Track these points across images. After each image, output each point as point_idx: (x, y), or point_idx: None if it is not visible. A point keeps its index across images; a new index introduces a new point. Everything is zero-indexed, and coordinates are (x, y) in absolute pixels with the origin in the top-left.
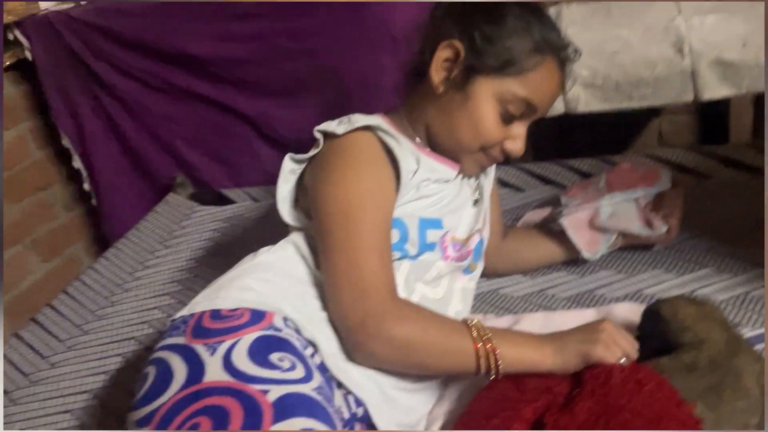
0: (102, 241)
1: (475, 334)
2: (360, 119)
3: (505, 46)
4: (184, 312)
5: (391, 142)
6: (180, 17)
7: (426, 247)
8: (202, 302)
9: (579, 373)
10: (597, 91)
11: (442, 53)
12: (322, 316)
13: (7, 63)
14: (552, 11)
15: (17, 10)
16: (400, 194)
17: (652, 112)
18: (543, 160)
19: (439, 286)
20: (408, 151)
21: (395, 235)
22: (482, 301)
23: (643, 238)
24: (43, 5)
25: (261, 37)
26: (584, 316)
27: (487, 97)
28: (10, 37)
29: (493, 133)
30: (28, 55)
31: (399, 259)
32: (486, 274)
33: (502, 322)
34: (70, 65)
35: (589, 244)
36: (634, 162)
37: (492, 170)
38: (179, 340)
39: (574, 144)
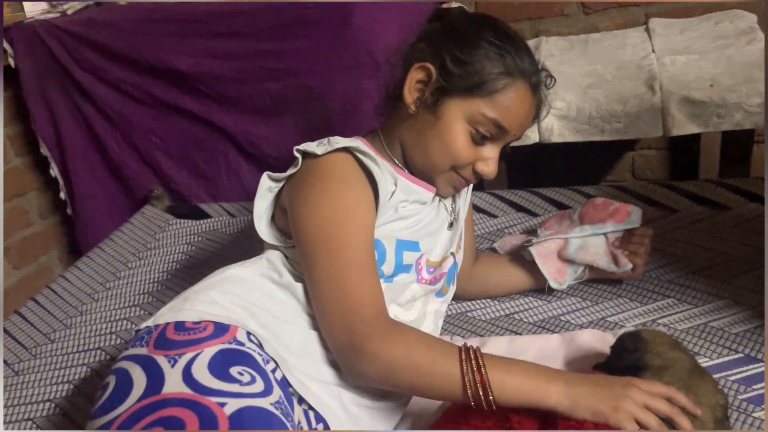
0: (76, 250)
1: (464, 359)
2: (339, 141)
3: (475, 68)
4: (149, 323)
5: (370, 164)
6: (165, 32)
7: (401, 268)
8: (167, 314)
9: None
10: (571, 122)
11: (415, 74)
12: (288, 331)
13: None
14: (532, 43)
15: (3, 17)
16: (378, 214)
17: (626, 146)
18: (517, 188)
19: (412, 309)
20: (386, 171)
21: None
22: (450, 324)
23: (608, 272)
24: (29, 13)
25: (245, 55)
26: (549, 340)
27: (457, 117)
28: (3, 40)
29: (462, 153)
30: (11, 61)
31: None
32: (455, 298)
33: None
34: (52, 74)
35: (556, 274)
36: (606, 195)
37: (468, 194)
38: (141, 350)
39: (549, 173)
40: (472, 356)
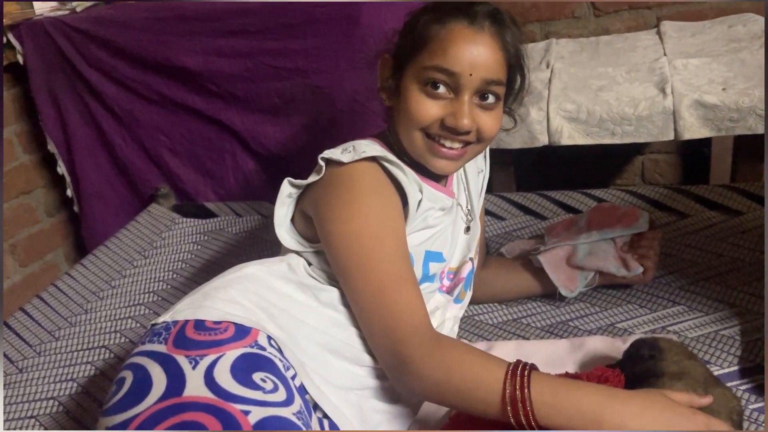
0: (82, 248)
1: (509, 378)
2: (365, 148)
3: (413, 35)
4: (167, 318)
5: (397, 173)
6: (174, 31)
7: (427, 278)
8: (186, 310)
9: None
10: (580, 125)
11: (381, 71)
12: (306, 334)
13: None
14: (542, 45)
15: (12, 14)
16: (408, 223)
17: (636, 150)
18: (526, 191)
19: (434, 317)
20: (412, 179)
21: None
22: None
23: (619, 277)
24: (38, 10)
25: (253, 54)
26: (557, 345)
27: (410, 84)
28: (3, 40)
29: (421, 110)
30: (20, 58)
31: None
32: None
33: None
34: (61, 71)
35: (566, 282)
36: (615, 198)
37: (481, 196)
38: (160, 347)
39: (558, 177)
40: (519, 373)
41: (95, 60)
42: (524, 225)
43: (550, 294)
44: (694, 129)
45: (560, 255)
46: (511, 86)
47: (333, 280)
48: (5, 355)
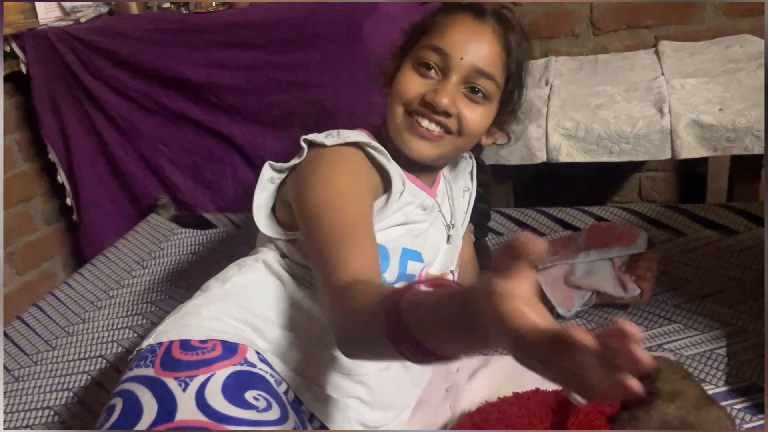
0: (79, 256)
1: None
2: (349, 134)
3: (421, 23)
4: (151, 341)
5: (381, 158)
6: (177, 42)
7: (404, 277)
8: (170, 331)
9: None
10: (579, 142)
11: (388, 65)
12: (296, 343)
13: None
14: (541, 62)
15: (16, 24)
16: (387, 207)
17: (633, 167)
18: (524, 207)
19: None
20: (396, 170)
21: None
22: None
23: (616, 297)
24: (42, 20)
25: (255, 67)
26: None
27: (406, 64)
28: (7, 49)
29: (408, 86)
30: (23, 67)
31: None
32: None
33: (472, 362)
34: (63, 80)
35: (563, 301)
36: (613, 216)
37: (467, 214)
38: (147, 371)
39: (555, 193)
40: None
41: (98, 70)
42: None
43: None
44: (691, 148)
45: (558, 274)
46: (507, 97)
47: (308, 272)
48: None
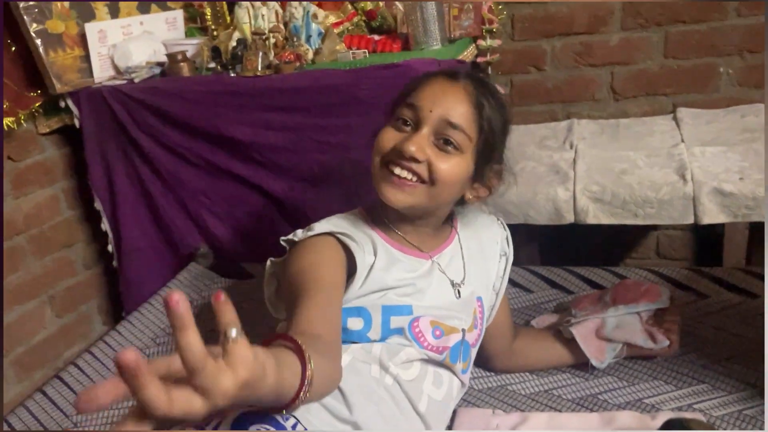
0: (115, 300)
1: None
2: (317, 227)
3: (402, 91)
4: None
5: (348, 242)
6: (225, 104)
7: (390, 332)
8: None
9: None
10: (605, 206)
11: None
12: None
13: (54, 128)
14: (564, 124)
15: (73, 82)
16: (355, 281)
17: (652, 225)
18: (547, 262)
19: (411, 368)
20: (366, 243)
21: (358, 324)
22: (491, 396)
23: (646, 349)
24: (97, 79)
25: (298, 129)
26: (588, 419)
27: (387, 123)
28: (62, 104)
29: (383, 138)
30: (76, 122)
31: (369, 342)
32: (494, 370)
33: (511, 418)
34: (113, 134)
35: (597, 353)
36: (637, 276)
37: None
38: None
39: (575, 248)
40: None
41: (147, 126)
42: (552, 298)
43: (579, 365)
44: (712, 214)
45: (590, 327)
46: (482, 152)
47: None
48: (41, 424)
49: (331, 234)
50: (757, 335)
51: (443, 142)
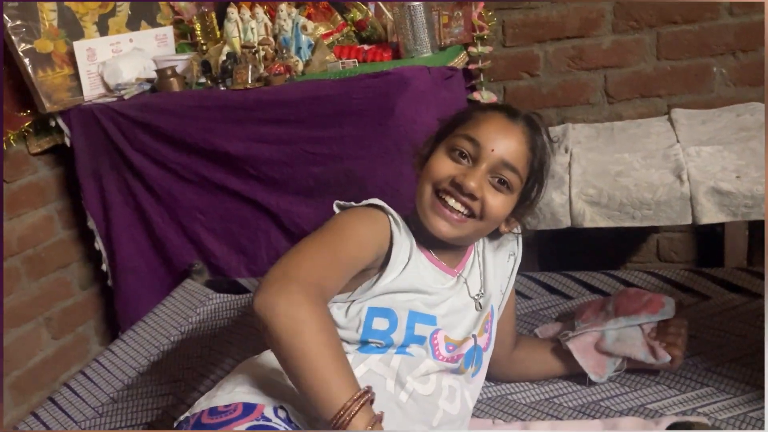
0: (111, 321)
1: (357, 396)
2: (377, 201)
3: (458, 116)
4: (187, 413)
5: (395, 228)
6: (217, 118)
7: (413, 338)
8: (203, 402)
9: None
10: (602, 209)
11: (421, 150)
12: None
13: (45, 147)
14: (558, 129)
15: (63, 101)
16: (389, 266)
17: (652, 228)
18: (546, 267)
19: (428, 383)
20: (407, 243)
21: (384, 324)
22: (491, 406)
23: (647, 364)
24: (87, 97)
25: (291, 141)
26: (590, 426)
27: (440, 149)
28: (52, 123)
29: (441, 169)
30: (67, 141)
31: (386, 347)
32: (494, 380)
33: (512, 427)
34: (106, 152)
35: (595, 367)
36: (637, 279)
37: (509, 280)
38: None
39: (574, 253)
40: (362, 401)
41: (140, 143)
42: (551, 304)
43: (580, 375)
44: (711, 214)
45: (588, 341)
46: (527, 191)
47: None
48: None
49: (385, 213)
50: (760, 336)
51: (498, 181)
